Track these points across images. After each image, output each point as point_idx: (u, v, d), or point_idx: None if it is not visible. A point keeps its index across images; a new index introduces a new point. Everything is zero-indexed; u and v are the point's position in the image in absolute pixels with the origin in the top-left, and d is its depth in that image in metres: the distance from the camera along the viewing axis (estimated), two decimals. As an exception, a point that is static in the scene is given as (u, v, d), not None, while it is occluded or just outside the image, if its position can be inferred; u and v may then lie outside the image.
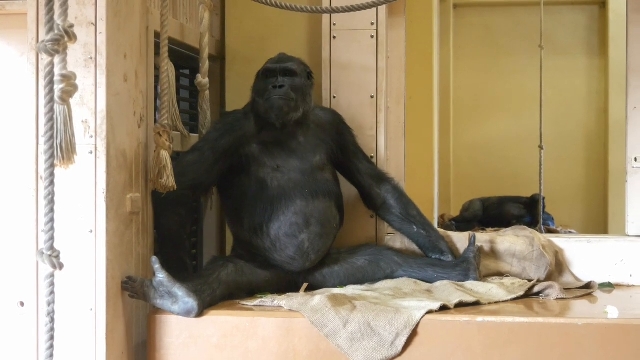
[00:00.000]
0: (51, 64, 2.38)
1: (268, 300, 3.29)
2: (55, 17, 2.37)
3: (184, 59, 3.98)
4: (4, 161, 3.17)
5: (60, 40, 2.37)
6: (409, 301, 3.23)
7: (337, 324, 3.04)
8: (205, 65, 3.81)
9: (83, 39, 2.91)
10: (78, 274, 2.94)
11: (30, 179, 3.00)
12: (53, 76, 2.38)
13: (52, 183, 2.35)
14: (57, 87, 2.39)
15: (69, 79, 2.41)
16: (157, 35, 3.42)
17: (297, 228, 3.50)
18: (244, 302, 3.30)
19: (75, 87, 2.43)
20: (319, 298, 3.18)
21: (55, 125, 2.38)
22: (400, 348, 2.99)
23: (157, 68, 3.46)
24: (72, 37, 2.39)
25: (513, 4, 7.83)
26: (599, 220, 7.61)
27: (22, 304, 3.14)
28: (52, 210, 2.35)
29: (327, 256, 3.66)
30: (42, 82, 2.38)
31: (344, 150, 3.83)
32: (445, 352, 3.01)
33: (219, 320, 3.12)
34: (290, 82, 3.60)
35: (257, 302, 3.29)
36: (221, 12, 4.44)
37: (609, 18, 7.59)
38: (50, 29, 2.37)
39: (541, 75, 5.94)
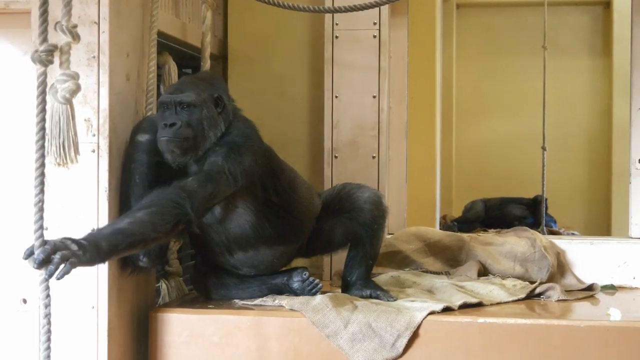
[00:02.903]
0: (44, 74, 2.37)
1: (269, 299, 3.28)
2: (60, 17, 2.38)
3: (186, 58, 3.98)
4: (8, 160, 3.18)
5: (53, 51, 2.37)
6: (411, 302, 3.23)
7: (338, 324, 3.03)
8: (206, 64, 3.80)
9: (86, 38, 2.92)
10: (80, 272, 2.93)
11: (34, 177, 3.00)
12: (46, 86, 2.38)
13: (42, 183, 2.40)
14: (61, 87, 2.41)
15: (72, 78, 2.42)
16: (159, 34, 3.42)
17: (233, 269, 3.37)
18: (245, 302, 3.30)
19: (78, 87, 2.44)
20: (320, 298, 3.17)
21: (58, 125, 2.40)
22: (401, 349, 2.98)
23: (159, 67, 3.46)
24: (75, 37, 2.40)
25: (516, 4, 7.83)
26: (602, 222, 7.60)
27: (24, 301, 3.14)
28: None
29: None
30: (35, 92, 2.37)
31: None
32: (445, 354, 3.00)
33: (220, 319, 3.12)
34: (187, 117, 3.06)
35: (258, 301, 3.29)
36: (223, 11, 4.44)
37: (613, 19, 7.59)
38: (44, 40, 2.37)
39: (544, 76, 5.93)
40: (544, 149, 5.90)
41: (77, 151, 2.43)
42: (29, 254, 2.41)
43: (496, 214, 6.71)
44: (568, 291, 3.59)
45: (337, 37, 4.09)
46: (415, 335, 3.00)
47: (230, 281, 3.39)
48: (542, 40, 5.99)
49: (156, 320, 3.15)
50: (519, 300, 3.42)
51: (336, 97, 4.08)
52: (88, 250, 2.49)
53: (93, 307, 2.95)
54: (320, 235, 3.52)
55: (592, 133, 7.75)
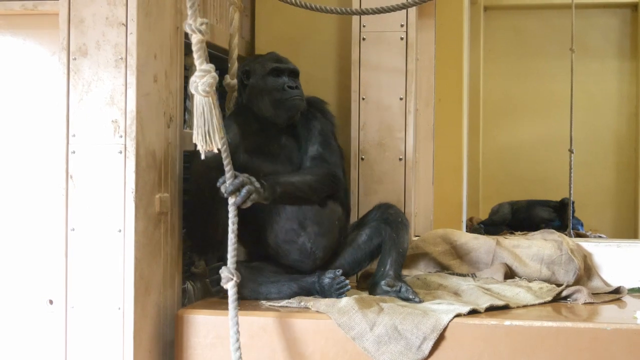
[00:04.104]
0: (201, 42, 2.78)
1: (295, 301, 3.28)
2: (188, 18, 2.73)
3: (213, 59, 3.97)
4: (35, 160, 3.19)
5: (207, 23, 2.75)
6: (437, 304, 3.22)
7: (364, 326, 3.03)
8: (234, 66, 3.80)
9: (113, 39, 2.93)
10: (106, 273, 2.95)
11: (60, 178, 3.01)
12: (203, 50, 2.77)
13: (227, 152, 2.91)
14: (200, 81, 2.71)
15: (208, 73, 2.72)
16: (187, 35, 3.43)
17: (293, 233, 3.44)
18: (271, 303, 3.30)
19: (215, 79, 2.76)
20: (346, 300, 3.17)
21: (203, 115, 2.74)
22: (427, 352, 2.97)
23: (186, 68, 3.47)
24: (205, 33, 2.76)
25: (544, 6, 7.80)
26: (629, 224, 7.56)
27: (51, 301, 3.15)
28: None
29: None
30: (197, 61, 2.78)
31: (308, 136, 3.62)
32: (472, 356, 2.99)
33: (246, 320, 3.12)
34: (296, 83, 3.57)
35: (284, 302, 3.29)
36: (251, 13, 4.44)
37: (641, 21, 7.56)
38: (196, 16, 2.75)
39: (572, 78, 5.91)
40: (571, 151, 5.88)
41: (221, 135, 2.78)
42: (222, 182, 3.02)
43: (523, 217, 6.69)
44: (595, 294, 3.57)
45: (364, 39, 4.09)
46: (441, 338, 2.99)
47: (261, 275, 3.41)
48: (570, 43, 5.97)
49: (182, 322, 3.16)
50: (545, 303, 3.41)
51: (363, 98, 4.08)
52: (267, 190, 3.15)
53: (119, 309, 2.96)
54: (348, 244, 3.63)
55: (620, 136, 7.71)
